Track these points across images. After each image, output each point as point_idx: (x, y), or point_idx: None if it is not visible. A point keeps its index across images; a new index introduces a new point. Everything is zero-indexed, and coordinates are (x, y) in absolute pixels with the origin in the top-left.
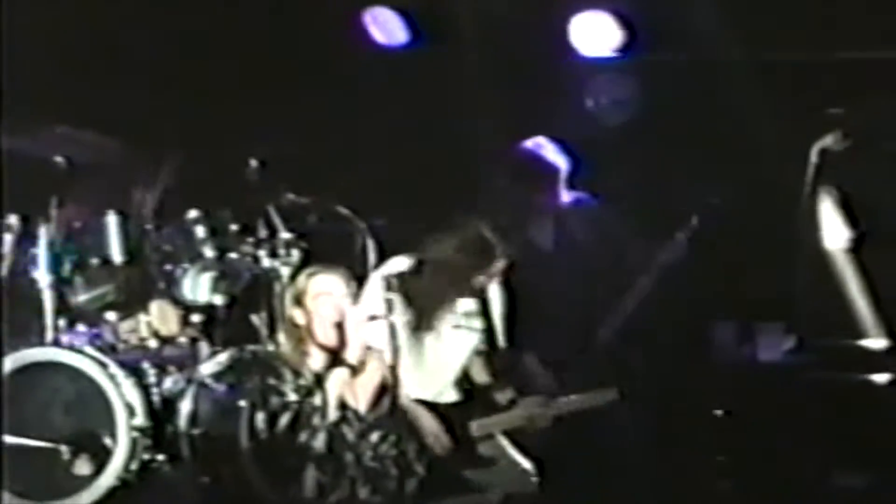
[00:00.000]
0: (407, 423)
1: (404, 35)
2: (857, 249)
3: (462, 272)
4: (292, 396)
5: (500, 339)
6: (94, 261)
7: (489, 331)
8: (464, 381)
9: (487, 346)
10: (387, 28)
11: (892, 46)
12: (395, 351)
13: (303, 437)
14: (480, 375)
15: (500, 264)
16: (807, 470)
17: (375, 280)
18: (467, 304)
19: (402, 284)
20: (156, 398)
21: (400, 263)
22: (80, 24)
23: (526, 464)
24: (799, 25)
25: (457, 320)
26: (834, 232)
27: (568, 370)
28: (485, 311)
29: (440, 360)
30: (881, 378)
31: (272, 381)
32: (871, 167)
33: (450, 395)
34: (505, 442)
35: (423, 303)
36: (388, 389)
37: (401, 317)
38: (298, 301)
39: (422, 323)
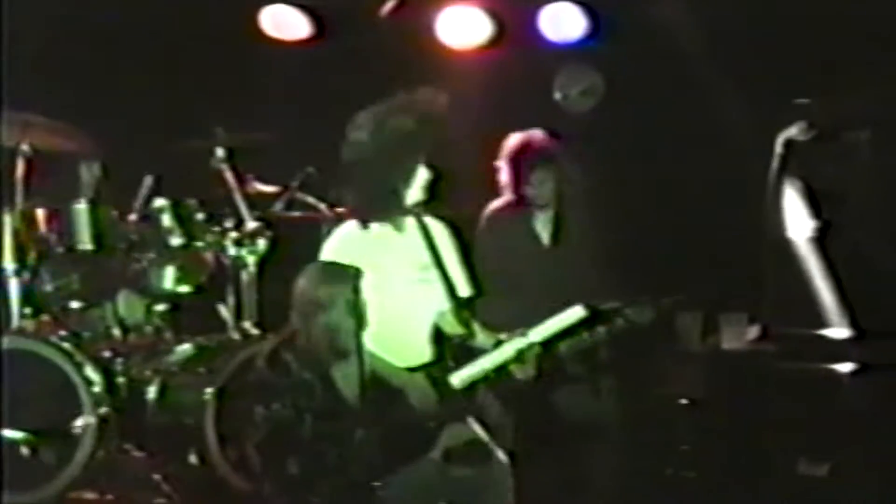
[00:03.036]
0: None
1: None
2: (821, 239)
3: None
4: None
5: (462, 288)
6: (60, 249)
7: (447, 281)
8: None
9: (451, 298)
10: None
11: (859, 37)
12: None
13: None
14: (453, 328)
15: None
16: (771, 459)
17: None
18: (421, 257)
19: None
20: (122, 387)
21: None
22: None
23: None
24: (765, 15)
25: (412, 275)
26: (798, 222)
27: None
28: (438, 262)
29: (407, 323)
30: (844, 367)
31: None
32: (837, 158)
33: (425, 355)
34: (477, 427)
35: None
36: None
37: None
38: None
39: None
